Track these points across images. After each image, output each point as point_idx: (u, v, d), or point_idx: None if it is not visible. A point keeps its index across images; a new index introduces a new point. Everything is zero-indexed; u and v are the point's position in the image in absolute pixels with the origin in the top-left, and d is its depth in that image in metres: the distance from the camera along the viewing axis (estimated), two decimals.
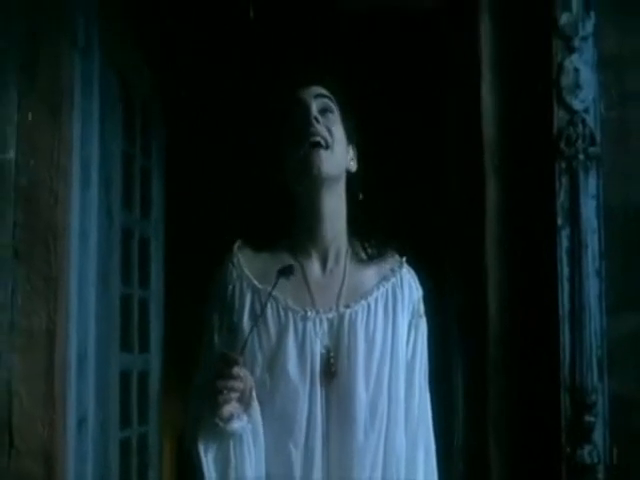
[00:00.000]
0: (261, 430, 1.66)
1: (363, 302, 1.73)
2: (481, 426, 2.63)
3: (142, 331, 3.37)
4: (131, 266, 3.30)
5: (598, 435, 2.54)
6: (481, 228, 2.68)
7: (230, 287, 1.75)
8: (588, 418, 2.53)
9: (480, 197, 2.68)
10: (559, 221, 2.60)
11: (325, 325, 1.70)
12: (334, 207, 1.75)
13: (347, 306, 1.72)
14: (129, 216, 3.30)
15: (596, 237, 2.61)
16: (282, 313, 1.70)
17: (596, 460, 2.51)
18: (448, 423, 2.76)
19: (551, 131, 2.63)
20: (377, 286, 1.75)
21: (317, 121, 1.72)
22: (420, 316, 1.79)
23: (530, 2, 2.70)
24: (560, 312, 2.57)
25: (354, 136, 1.80)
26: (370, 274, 1.77)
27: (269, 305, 1.69)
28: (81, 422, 2.75)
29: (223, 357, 1.61)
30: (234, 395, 1.60)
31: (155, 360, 3.47)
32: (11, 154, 2.71)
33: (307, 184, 1.73)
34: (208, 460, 1.64)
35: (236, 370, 1.59)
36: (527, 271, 2.64)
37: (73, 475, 2.68)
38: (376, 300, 1.73)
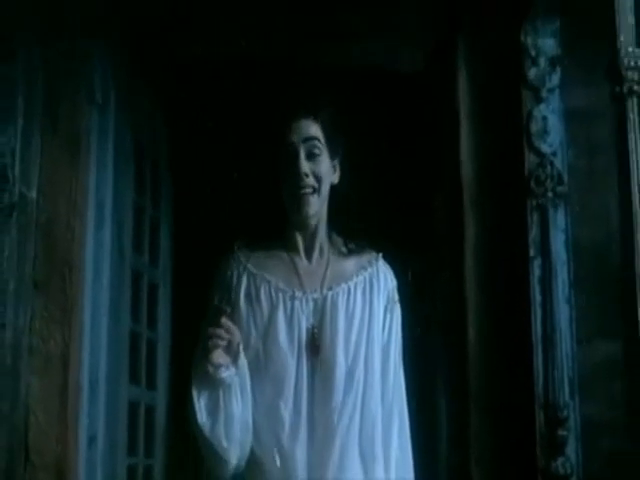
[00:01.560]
0: (248, 383, 1.92)
1: (344, 285, 2.00)
2: (463, 441, 2.82)
3: (149, 369, 3.58)
4: (140, 306, 3.53)
5: (571, 449, 2.74)
6: (461, 259, 2.93)
7: (229, 273, 2.01)
8: (561, 432, 2.73)
9: (459, 231, 2.94)
10: (531, 252, 2.85)
11: (311, 304, 1.98)
12: (318, 214, 2.03)
13: (330, 288, 2.00)
14: (139, 259, 3.56)
15: (565, 268, 2.85)
16: (273, 293, 1.99)
17: (569, 471, 2.70)
18: (432, 441, 2.95)
19: (523, 172, 2.90)
20: (356, 274, 2.03)
21: (306, 175, 1.99)
22: (395, 302, 2.05)
23: (502, 58, 3.00)
24: (533, 336, 2.79)
25: (339, 150, 2.07)
26: (350, 264, 2.04)
27: (262, 286, 1.95)
28: (91, 440, 2.95)
29: (215, 309, 1.90)
30: (222, 342, 1.85)
31: (161, 398, 3.67)
32: (33, 194, 2.97)
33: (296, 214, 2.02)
34: (200, 405, 1.90)
35: (224, 320, 1.87)
36: (503, 298, 2.88)
37: None
38: (355, 285, 2.01)
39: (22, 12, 2.93)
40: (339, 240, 2.08)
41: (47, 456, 2.83)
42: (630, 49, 2.21)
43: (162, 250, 3.82)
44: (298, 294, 1.99)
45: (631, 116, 2.20)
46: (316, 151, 2.00)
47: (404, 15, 3.20)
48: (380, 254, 2.09)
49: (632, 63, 2.19)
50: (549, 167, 2.90)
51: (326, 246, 2.06)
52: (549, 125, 2.92)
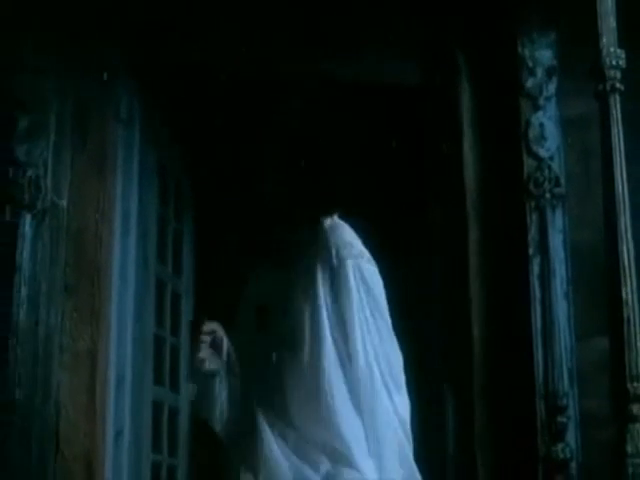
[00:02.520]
0: (237, 366, 2.20)
1: (294, 257, 2.20)
2: (469, 431, 2.97)
3: (173, 373, 3.76)
4: (164, 313, 3.72)
5: (570, 436, 2.87)
6: (465, 259, 3.09)
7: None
8: (560, 419, 2.86)
9: (463, 232, 3.10)
10: (530, 251, 3.01)
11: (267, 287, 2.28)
12: None
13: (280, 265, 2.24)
14: (164, 270, 3.75)
15: (563, 265, 3.01)
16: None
17: (569, 456, 2.83)
18: (440, 431, 3.10)
19: (522, 176, 3.07)
20: (307, 242, 2.19)
21: None
22: (348, 256, 2.10)
23: (501, 70, 3.19)
24: (533, 329, 2.95)
25: None
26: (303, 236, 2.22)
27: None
28: (118, 434, 3.13)
29: (197, 319, 2.21)
30: (204, 345, 2.17)
31: (184, 401, 3.85)
32: (64, 203, 3.19)
33: None
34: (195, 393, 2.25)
35: (206, 324, 2.18)
36: (504, 296, 3.04)
37: (111, 479, 3.04)
38: (302, 254, 2.18)
39: (53, 34, 3.16)
40: (305, 218, 2.23)
41: (76, 448, 3.01)
42: (612, 49, 2.37)
43: (185, 261, 4.01)
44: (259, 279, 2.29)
45: (614, 112, 2.36)
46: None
47: (406, 32, 3.37)
48: (334, 215, 2.19)
49: (614, 62, 2.36)
50: (547, 170, 3.07)
51: (291, 228, 2.25)
52: (546, 131, 3.10)
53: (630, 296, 2.25)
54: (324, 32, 3.23)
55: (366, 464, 2.06)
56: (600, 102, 2.39)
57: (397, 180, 3.93)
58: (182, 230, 4.06)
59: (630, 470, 2.17)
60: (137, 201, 3.47)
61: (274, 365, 2.13)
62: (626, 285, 2.25)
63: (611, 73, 2.37)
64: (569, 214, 3.12)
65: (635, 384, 2.20)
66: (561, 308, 2.96)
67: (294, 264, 2.18)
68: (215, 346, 2.20)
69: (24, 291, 2.96)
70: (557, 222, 3.03)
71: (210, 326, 2.19)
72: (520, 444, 2.90)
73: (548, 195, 3.04)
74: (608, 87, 2.37)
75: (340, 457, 2.05)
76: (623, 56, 2.40)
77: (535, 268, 3.00)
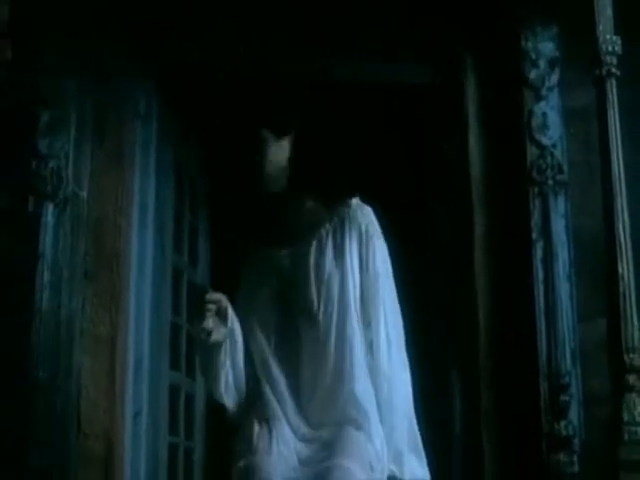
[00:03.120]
0: (240, 335, 2.28)
1: (317, 234, 2.28)
2: (474, 409, 3.07)
3: (189, 360, 3.88)
4: (180, 301, 3.85)
5: (573, 413, 2.96)
6: (470, 244, 3.20)
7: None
8: (563, 397, 2.95)
9: (469, 217, 3.21)
10: (534, 236, 3.11)
11: (288, 259, 2.31)
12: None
13: (303, 240, 2.29)
14: (180, 259, 3.88)
15: (566, 249, 3.11)
16: (263, 257, 2.38)
17: (572, 433, 2.93)
18: (447, 409, 3.20)
19: (525, 163, 3.18)
20: (329, 222, 2.29)
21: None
22: (371, 237, 2.26)
23: (505, 62, 3.30)
24: (537, 310, 3.04)
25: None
26: (324, 217, 2.31)
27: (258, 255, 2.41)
28: (137, 415, 3.25)
29: (202, 290, 2.28)
30: (209, 314, 2.21)
31: (200, 388, 3.96)
32: (84, 194, 3.32)
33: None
34: (201, 363, 2.35)
35: (209, 293, 2.23)
36: (509, 278, 3.14)
37: (130, 457, 3.16)
38: (327, 232, 2.27)
39: (73, 36, 3.29)
40: (317, 204, 2.35)
41: (96, 426, 3.14)
42: (608, 36, 2.48)
43: (200, 253, 4.14)
44: (276, 252, 2.33)
45: (610, 96, 2.47)
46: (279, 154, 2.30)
47: (417, 34, 3.49)
48: (356, 197, 2.32)
49: (610, 48, 2.47)
50: (549, 158, 3.17)
51: (305, 211, 2.34)
52: (549, 120, 3.20)
53: (626, 272, 2.36)
54: (323, 32, 3.35)
55: (376, 429, 2.18)
56: (597, 87, 2.49)
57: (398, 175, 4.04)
58: (197, 226, 4.18)
59: (626, 437, 2.27)
60: (154, 196, 3.59)
61: (291, 332, 2.24)
62: (622, 261, 2.36)
63: (607, 59, 2.49)
64: (572, 202, 3.21)
65: (631, 355, 2.31)
66: (564, 290, 3.05)
67: (314, 239, 2.30)
68: (220, 315, 2.24)
69: (46, 277, 3.09)
70: (559, 208, 3.13)
71: (215, 295, 2.23)
72: (524, 422, 2.99)
73: (551, 182, 3.14)
74: (604, 72, 2.48)
75: (350, 420, 2.16)
76: (619, 42, 2.51)
77: (538, 252, 3.10)
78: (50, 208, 3.14)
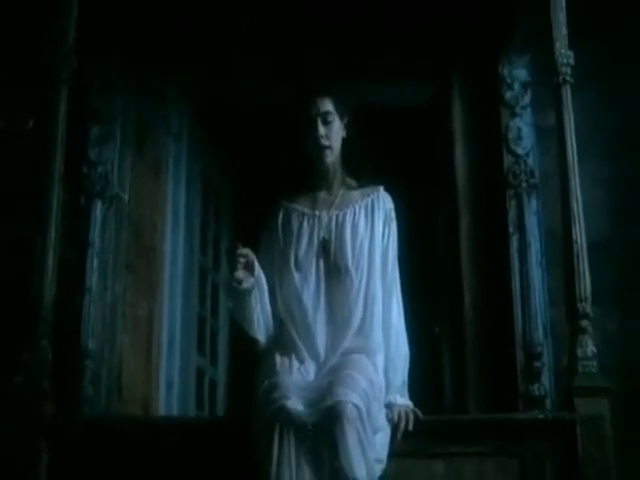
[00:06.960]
0: (265, 283, 2.77)
1: (351, 207, 2.85)
2: (461, 373, 3.59)
3: (212, 350, 4.39)
4: (205, 296, 4.37)
5: (545, 377, 3.46)
6: (457, 237, 3.74)
7: (273, 214, 2.94)
8: (536, 364, 3.46)
9: (456, 215, 3.76)
10: (510, 230, 3.65)
11: (325, 220, 2.84)
12: (334, 162, 2.88)
13: (340, 209, 2.85)
14: (205, 261, 4.41)
15: (537, 240, 3.64)
16: (299, 216, 2.87)
17: (543, 393, 3.42)
18: (437, 384, 3.72)
19: (503, 169, 3.73)
20: (361, 199, 2.87)
21: (322, 137, 2.84)
22: (391, 219, 2.87)
23: (485, 85, 3.86)
24: (513, 292, 3.57)
25: (345, 112, 2.91)
26: (357, 194, 2.90)
27: (292, 213, 2.90)
28: (169, 386, 3.76)
29: (233, 246, 2.75)
30: (239, 266, 2.69)
31: (222, 376, 4.47)
32: (126, 197, 3.87)
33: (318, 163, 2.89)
34: (235, 309, 2.82)
35: (239, 248, 2.72)
36: (490, 265, 3.68)
37: None
38: (360, 207, 2.85)
39: (120, 61, 3.88)
40: (351, 180, 2.93)
41: (135, 393, 3.65)
42: (563, 51, 3.04)
43: (222, 259, 4.67)
44: (316, 214, 2.86)
45: (564, 100, 3.03)
46: (329, 117, 2.85)
47: (411, 63, 4.07)
48: (382, 186, 2.93)
49: (564, 61, 3.03)
50: (523, 165, 3.72)
51: (339, 183, 2.90)
52: (523, 134, 3.76)
53: (579, 237, 2.90)
54: (351, 62, 3.93)
55: (379, 359, 2.72)
56: (555, 93, 3.05)
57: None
58: (221, 234, 4.72)
59: (580, 369, 2.78)
60: (184, 203, 4.15)
61: (331, 281, 2.76)
62: (575, 227, 2.89)
63: (562, 69, 3.04)
64: (544, 205, 3.74)
65: (583, 304, 2.83)
66: (536, 275, 3.57)
67: (348, 210, 2.85)
68: (248, 267, 2.72)
69: (95, 262, 3.62)
70: (532, 206, 3.67)
71: (244, 250, 2.71)
72: (503, 384, 3.49)
73: (524, 185, 3.69)
74: (560, 80, 3.04)
75: (360, 350, 2.68)
76: (572, 56, 3.08)
77: (514, 243, 3.63)
78: (98, 204, 3.69)
